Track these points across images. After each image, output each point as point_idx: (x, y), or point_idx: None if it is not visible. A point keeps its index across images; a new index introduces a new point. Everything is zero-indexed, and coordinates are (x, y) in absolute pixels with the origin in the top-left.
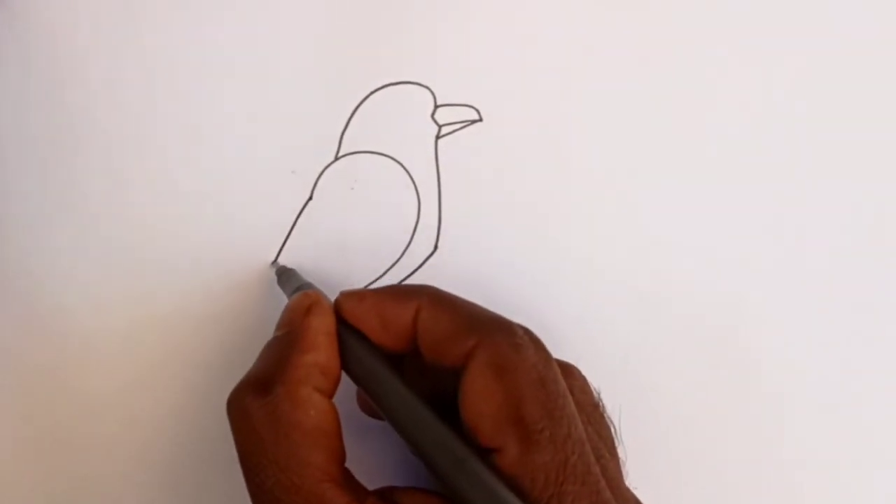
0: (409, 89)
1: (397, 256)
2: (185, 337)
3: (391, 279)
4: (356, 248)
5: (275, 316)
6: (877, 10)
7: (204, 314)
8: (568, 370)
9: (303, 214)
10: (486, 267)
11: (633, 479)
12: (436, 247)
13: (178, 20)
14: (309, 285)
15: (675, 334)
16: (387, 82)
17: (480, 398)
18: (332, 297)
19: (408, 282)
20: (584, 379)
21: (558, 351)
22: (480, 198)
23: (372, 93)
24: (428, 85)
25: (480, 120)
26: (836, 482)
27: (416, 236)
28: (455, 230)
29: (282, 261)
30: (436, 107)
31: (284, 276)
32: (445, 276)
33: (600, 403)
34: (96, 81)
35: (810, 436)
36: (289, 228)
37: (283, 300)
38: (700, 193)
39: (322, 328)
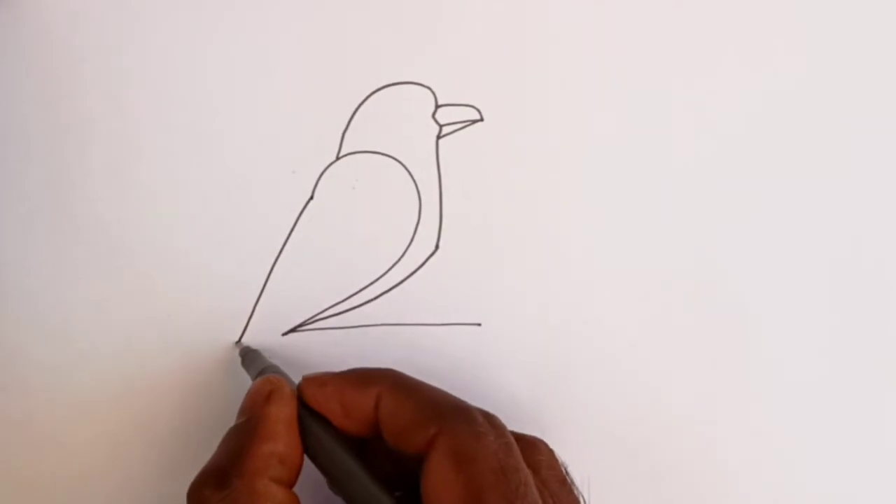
0: (410, 89)
1: (398, 256)
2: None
3: (392, 279)
4: (357, 247)
5: (240, 392)
6: (876, 10)
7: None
8: (534, 446)
9: (303, 214)
10: (486, 267)
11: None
12: (437, 246)
13: (178, 20)
14: (273, 368)
15: (676, 332)
16: (388, 82)
17: (441, 489)
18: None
19: (409, 280)
20: (550, 453)
21: (558, 350)
22: (481, 198)
23: (373, 93)
24: (429, 85)
25: (481, 120)
26: (836, 483)
27: (416, 236)
28: (456, 230)
29: (279, 267)
30: (437, 107)
31: (248, 357)
32: (446, 275)
33: (568, 478)
34: (97, 82)
35: (811, 437)
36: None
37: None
38: (702, 192)
39: (282, 416)
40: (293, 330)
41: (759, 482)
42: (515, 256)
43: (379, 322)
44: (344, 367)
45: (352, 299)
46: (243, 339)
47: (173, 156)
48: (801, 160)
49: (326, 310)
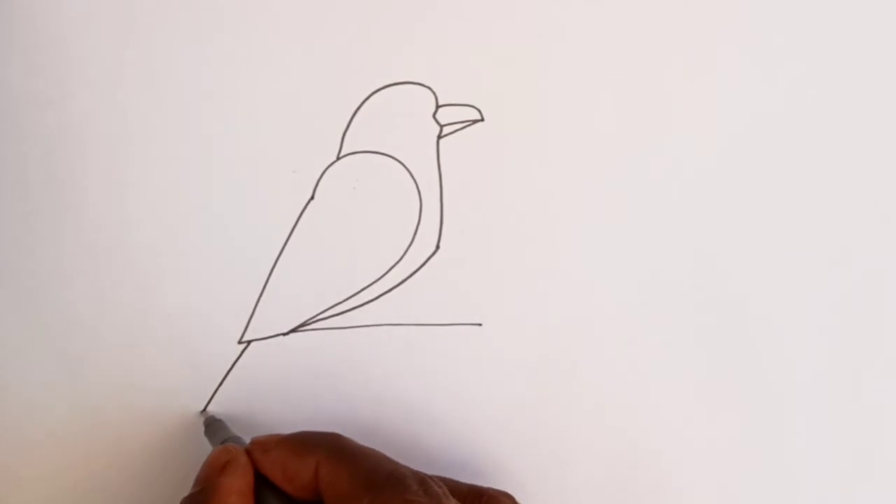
0: (410, 89)
1: (399, 256)
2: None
3: (393, 279)
4: (358, 248)
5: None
6: (877, 10)
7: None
8: (496, 500)
9: (304, 214)
10: (487, 267)
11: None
12: (437, 247)
13: (179, 20)
14: (235, 438)
15: (677, 333)
16: (388, 82)
17: None
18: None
19: (409, 281)
20: None
21: (558, 350)
22: (482, 198)
23: (374, 92)
24: (430, 85)
25: (482, 120)
26: (836, 484)
27: (417, 236)
28: (457, 230)
29: (279, 267)
30: (437, 107)
31: (212, 427)
32: (446, 276)
33: None
34: (96, 81)
35: (812, 438)
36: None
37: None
38: (703, 192)
39: (235, 487)
40: (293, 330)
41: (759, 485)
42: (515, 256)
43: (379, 322)
44: (343, 369)
45: (352, 299)
46: (208, 409)
47: (173, 156)
48: (802, 160)
49: (327, 310)
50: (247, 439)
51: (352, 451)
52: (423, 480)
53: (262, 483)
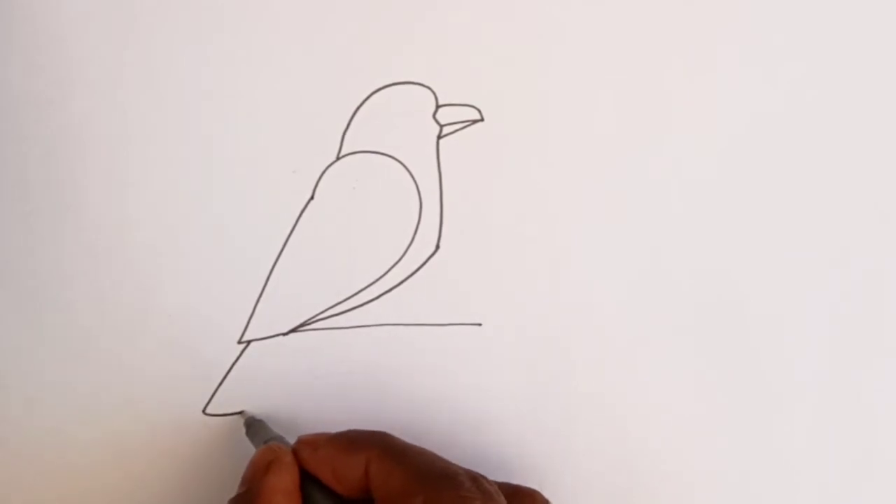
0: (410, 89)
1: (399, 256)
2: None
3: (392, 279)
4: (357, 247)
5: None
6: (877, 10)
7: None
8: (531, 498)
9: (304, 214)
10: (487, 267)
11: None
12: (437, 247)
13: (179, 20)
14: (278, 438)
15: (677, 332)
16: (388, 82)
17: None
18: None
19: (409, 281)
20: None
21: (558, 350)
22: (482, 198)
23: (374, 92)
24: (429, 85)
25: (482, 120)
26: (835, 484)
27: (417, 236)
28: (457, 230)
29: (279, 267)
30: (437, 107)
31: (253, 427)
32: (446, 275)
33: None
34: (96, 81)
35: (812, 438)
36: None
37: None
38: (703, 193)
39: (280, 487)
40: (294, 330)
41: (759, 485)
42: (515, 256)
43: (379, 322)
44: (343, 369)
45: (352, 299)
46: (248, 411)
47: (173, 156)
48: (802, 161)
49: (327, 310)
50: (290, 439)
51: (403, 449)
52: (475, 478)
53: (308, 482)
